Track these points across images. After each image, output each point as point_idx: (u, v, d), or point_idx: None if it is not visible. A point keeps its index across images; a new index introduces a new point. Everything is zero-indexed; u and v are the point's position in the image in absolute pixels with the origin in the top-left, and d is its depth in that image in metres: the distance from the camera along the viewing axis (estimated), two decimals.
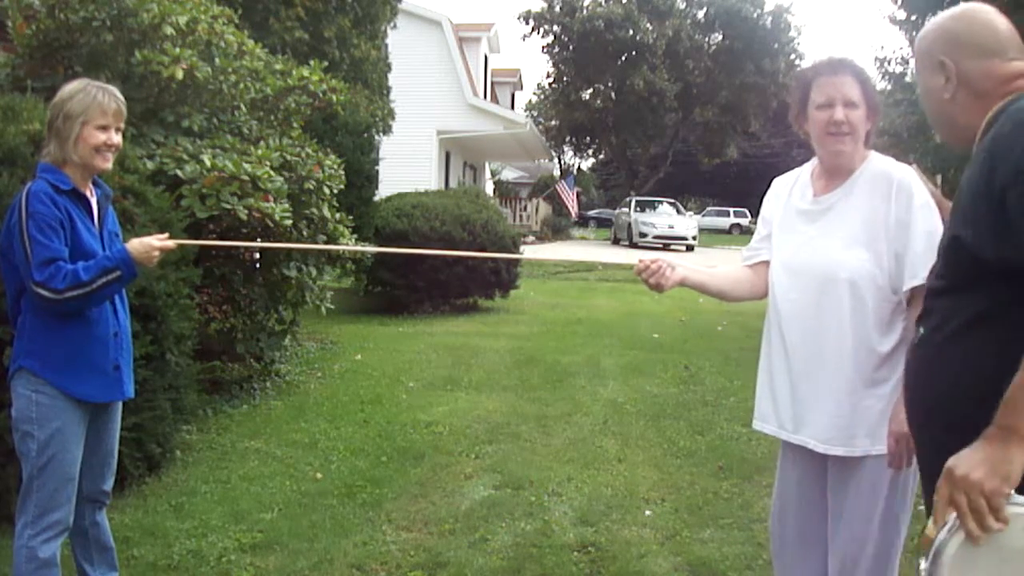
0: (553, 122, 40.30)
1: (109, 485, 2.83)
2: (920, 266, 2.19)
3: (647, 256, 2.45)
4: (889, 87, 12.81)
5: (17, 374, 2.58)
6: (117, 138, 2.64)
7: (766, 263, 2.49)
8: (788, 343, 2.36)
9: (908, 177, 2.27)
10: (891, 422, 2.21)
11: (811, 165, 2.46)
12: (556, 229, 30.16)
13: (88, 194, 2.65)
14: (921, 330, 1.78)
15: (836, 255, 2.27)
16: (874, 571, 2.29)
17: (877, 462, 2.25)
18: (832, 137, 2.29)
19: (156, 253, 2.64)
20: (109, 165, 2.66)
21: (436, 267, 10.37)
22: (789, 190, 2.48)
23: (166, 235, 2.75)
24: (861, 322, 2.24)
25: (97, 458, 2.74)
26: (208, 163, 4.99)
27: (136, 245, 2.60)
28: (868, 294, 2.23)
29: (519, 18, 35.00)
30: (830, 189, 2.35)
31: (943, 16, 1.85)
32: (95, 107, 2.57)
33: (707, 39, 35.85)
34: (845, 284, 2.24)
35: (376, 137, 11.42)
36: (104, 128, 2.59)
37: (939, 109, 1.82)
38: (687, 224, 26.77)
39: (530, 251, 19.03)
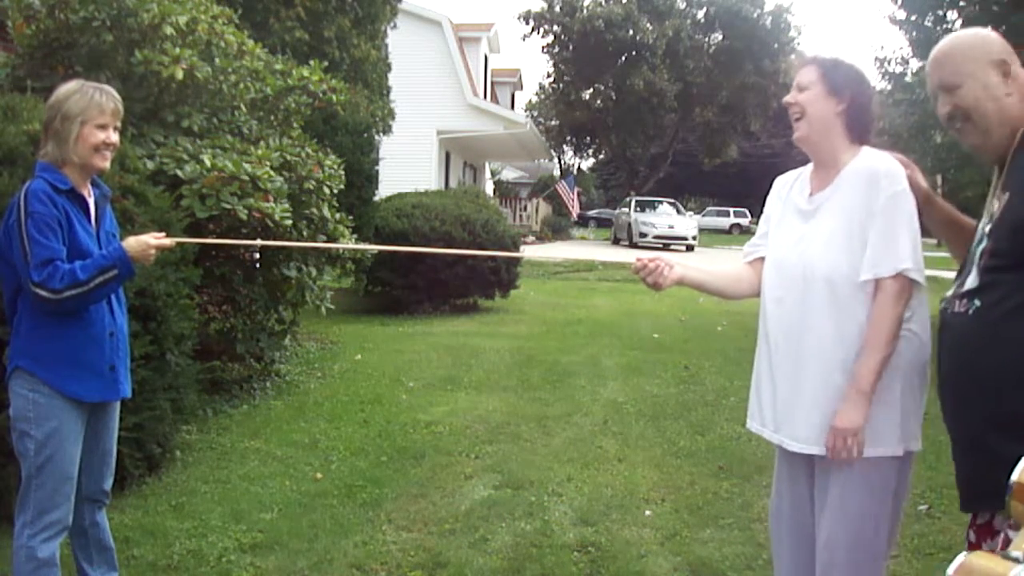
0: (553, 122, 40.31)
1: (108, 485, 2.83)
2: (880, 258, 2.17)
3: (646, 255, 2.45)
4: (889, 87, 12.78)
5: (14, 374, 2.58)
6: (115, 137, 2.65)
7: (763, 260, 2.49)
8: (772, 341, 2.37)
9: (886, 167, 2.24)
10: (835, 416, 2.19)
11: (812, 164, 2.47)
12: (556, 229, 30.16)
13: (86, 194, 2.65)
14: (977, 303, 1.91)
15: (816, 254, 2.27)
16: (854, 570, 2.26)
17: (858, 462, 2.23)
18: (792, 123, 2.36)
19: (152, 251, 2.64)
20: (108, 164, 2.66)
21: (436, 267, 10.37)
22: (790, 187, 2.48)
23: (163, 233, 2.75)
24: (840, 322, 2.22)
25: (96, 458, 2.74)
26: (208, 163, 4.99)
27: (132, 243, 2.60)
28: (847, 293, 2.22)
29: (519, 18, 34.99)
30: (822, 188, 2.35)
31: (979, 30, 2.10)
32: (93, 107, 2.58)
33: (707, 39, 35.84)
34: (823, 283, 2.23)
35: (376, 137, 11.42)
36: (103, 127, 2.60)
37: (997, 106, 1.99)
38: (687, 224, 26.77)
39: (530, 251, 19.05)
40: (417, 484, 4.39)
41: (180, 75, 5.14)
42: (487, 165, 33.68)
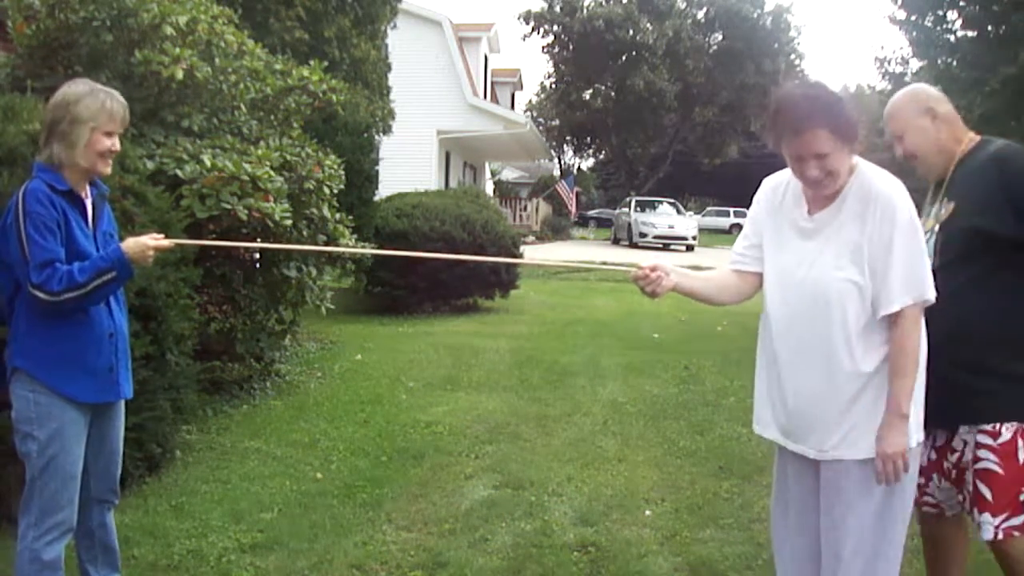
0: (553, 122, 40.31)
1: (117, 483, 2.83)
2: (899, 290, 2.20)
3: (647, 257, 2.45)
4: (889, 87, 12.78)
5: (14, 376, 2.58)
6: (119, 144, 2.66)
7: (753, 273, 2.49)
8: (781, 358, 2.37)
9: (892, 192, 2.25)
10: (879, 441, 2.24)
11: None
12: (556, 229, 30.15)
13: (84, 195, 2.65)
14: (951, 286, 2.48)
15: (827, 274, 2.26)
16: (869, 573, 2.28)
17: (867, 466, 2.26)
18: (810, 185, 2.29)
19: (151, 252, 2.63)
20: (109, 169, 2.67)
21: (436, 267, 10.36)
22: (782, 196, 2.44)
23: (162, 235, 2.74)
24: (848, 340, 2.24)
25: (102, 458, 2.74)
26: (208, 163, 4.99)
27: (131, 244, 2.59)
28: (855, 313, 2.24)
29: (519, 18, 35.08)
30: (822, 206, 2.33)
31: (913, 88, 2.87)
32: (105, 113, 2.57)
33: (707, 39, 35.90)
34: (836, 303, 2.24)
35: (376, 137, 11.42)
36: (110, 134, 2.60)
37: (930, 142, 2.73)
38: (687, 224, 26.77)
39: (530, 251, 19.05)
40: (417, 484, 4.39)
41: (180, 75, 5.14)
42: (487, 165, 33.67)
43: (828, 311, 2.25)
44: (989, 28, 9.97)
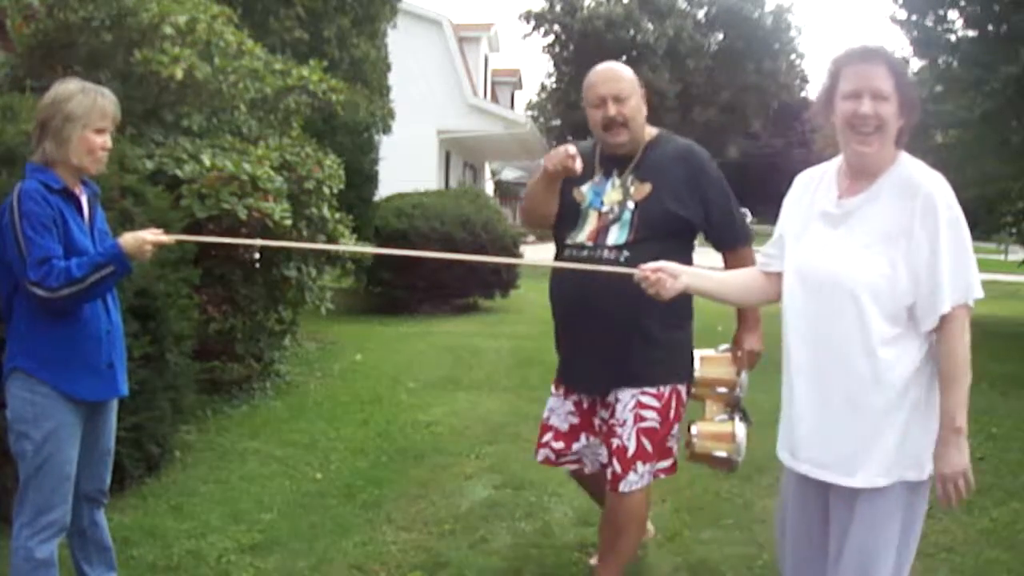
0: (554, 122, 40.33)
1: (107, 484, 2.83)
2: (947, 290, 2.01)
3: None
4: None
5: (12, 375, 2.58)
6: (110, 141, 2.66)
7: (780, 273, 2.31)
8: (799, 366, 2.19)
9: (935, 187, 2.07)
10: (936, 461, 2.06)
11: (839, 161, 2.24)
12: None
13: (78, 192, 2.65)
14: (626, 253, 2.82)
15: (847, 264, 2.08)
16: None
17: (884, 495, 2.09)
18: (856, 135, 2.08)
19: (149, 248, 2.62)
20: (103, 167, 2.67)
21: (436, 267, 10.36)
22: (814, 188, 2.28)
23: (160, 230, 2.73)
24: (866, 340, 2.06)
25: (95, 457, 2.74)
26: (208, 163, 4.98)
27: (128, 239, 2.59)
28: (876, 310, 2.05)
29: (520, 18, 35.11)
30: (855, 192, 2.14)
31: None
32: (97, 111, 2.58)
33: (708, 39, 35.93)
34: (850, 296, 2.06)
35: (376, 137, 11.41)
36: (101, 132, 2.60)
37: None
38: None
39: (530, 251, 19.03)
40: (417, 484, 4.39)
41: (180, 75, 5.13)
42: (487, 165, 33.65)
43: (844, 304, 2.06)
44: (990, 27, 9.96)
